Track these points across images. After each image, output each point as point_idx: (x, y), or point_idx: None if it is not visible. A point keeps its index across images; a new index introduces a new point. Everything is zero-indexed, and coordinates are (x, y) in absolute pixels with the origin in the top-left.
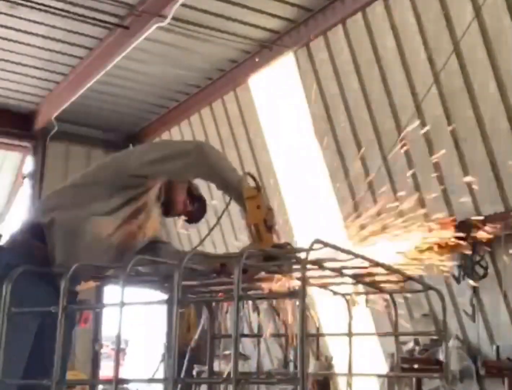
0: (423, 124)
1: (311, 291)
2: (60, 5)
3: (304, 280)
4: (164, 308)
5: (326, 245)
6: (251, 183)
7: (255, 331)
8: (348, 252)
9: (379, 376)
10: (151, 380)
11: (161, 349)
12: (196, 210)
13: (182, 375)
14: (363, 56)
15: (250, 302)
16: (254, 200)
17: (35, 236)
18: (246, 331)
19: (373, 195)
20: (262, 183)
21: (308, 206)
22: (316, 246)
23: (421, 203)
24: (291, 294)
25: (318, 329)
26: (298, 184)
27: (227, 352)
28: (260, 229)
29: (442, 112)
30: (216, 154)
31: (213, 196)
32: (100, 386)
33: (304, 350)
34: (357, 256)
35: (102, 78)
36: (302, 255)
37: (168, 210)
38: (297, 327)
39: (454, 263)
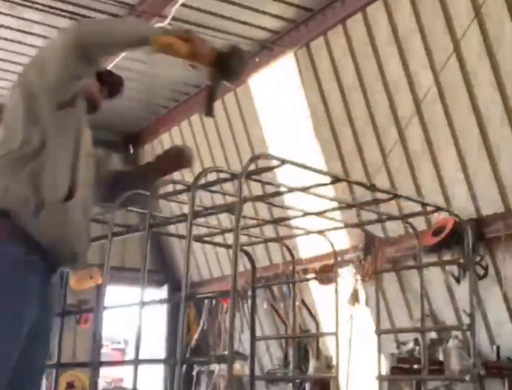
0: (422, 124)
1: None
2: (60, 5)
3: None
4: (164, 308)
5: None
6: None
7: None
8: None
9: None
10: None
11: (161, 349)
12: (111, 88)
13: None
14: (363, 56)
15: (249, 302)
16: (168, 43)
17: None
18: (246, 331)
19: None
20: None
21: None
22: None
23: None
24: (228, 208)
25: (318, 329)
26: (298, 184)
27: (226, 352)
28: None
29: (441, 112)
30: (92, 27)
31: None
32: (100, 386)
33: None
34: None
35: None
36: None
37: (91, 105)
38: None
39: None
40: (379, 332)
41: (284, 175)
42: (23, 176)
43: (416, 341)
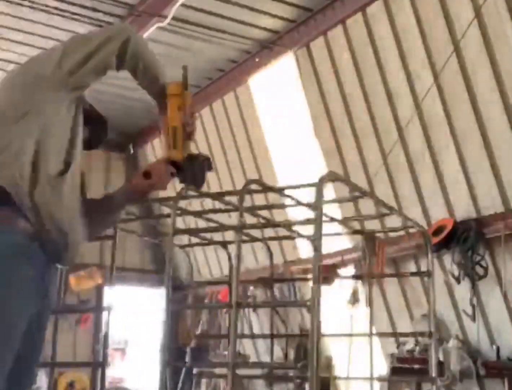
0: (423, 124)
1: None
2: (60, 5)
3: None
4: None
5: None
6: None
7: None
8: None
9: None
10: None
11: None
12: (94, 133)
13: (182, 375)
14: (363, 56)
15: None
16: (177, 99)
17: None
18: (246, 331)
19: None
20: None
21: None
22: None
23: (422, 203)
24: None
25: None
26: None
27: (226, 352)
28: (176, 133)
29: (441, 112)
30: (143, 41)
31: None
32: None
33: None
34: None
35: (102, 79)
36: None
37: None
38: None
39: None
40: (370, 334)
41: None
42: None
43: (416, 341)
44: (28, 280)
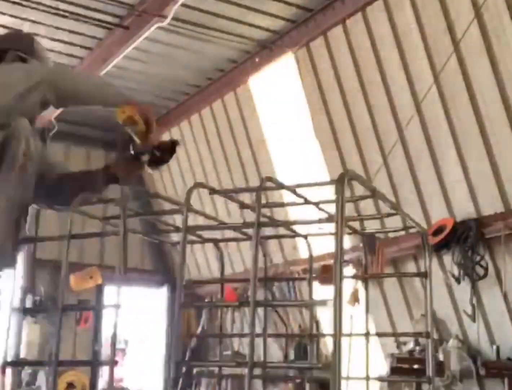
0: (422, 124)
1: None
2: (60, 5)
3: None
4: (164, 308)
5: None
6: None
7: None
8: None
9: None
10: None
11: (161, 349)
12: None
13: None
14: (363, 56)
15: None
16: (131, 117)
17: None
18: (246, 331)
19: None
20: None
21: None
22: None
23: (422, 203)
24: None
25: (318, 329)
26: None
27: (226, 352)
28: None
29: (442, 112)
30: (71, 78)
31: None
32: (100, 386)
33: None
34: None
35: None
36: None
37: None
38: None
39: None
40: (367, 335)
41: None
42: None
43: (416, 341)
44: None
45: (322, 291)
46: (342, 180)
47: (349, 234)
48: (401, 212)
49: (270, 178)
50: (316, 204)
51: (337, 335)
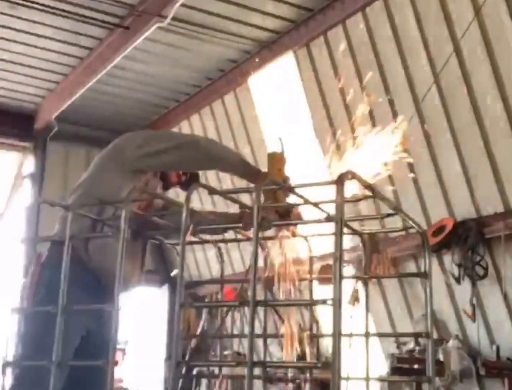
0: (422, 124)
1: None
2: (60, 5)
3: None
4: (164, 309)
5: None
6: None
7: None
8: None
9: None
10: None
11: (161, 349)
12: (189, 179)
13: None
14: (363, 56)
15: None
16: (277, 161)
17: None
18: (246, 331)
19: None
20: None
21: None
22: None
23: (422, 203)
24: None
25: (318, 329)
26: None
27: (226, 352)
28: (276, 191)
29: (442, 112)
30: (215, 147)
31: None
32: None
33: None
34: None
35: (102, 78)
36: None
37: (164, 184)
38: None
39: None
40: (367, 335)
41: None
42: None
43: (416, 341)
44: (80, 301)
45: (322, 291)
46: (341, 181)
47: (349, 234)
48: (400, 212)
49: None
50: (315, 204)
51: (336, 335)
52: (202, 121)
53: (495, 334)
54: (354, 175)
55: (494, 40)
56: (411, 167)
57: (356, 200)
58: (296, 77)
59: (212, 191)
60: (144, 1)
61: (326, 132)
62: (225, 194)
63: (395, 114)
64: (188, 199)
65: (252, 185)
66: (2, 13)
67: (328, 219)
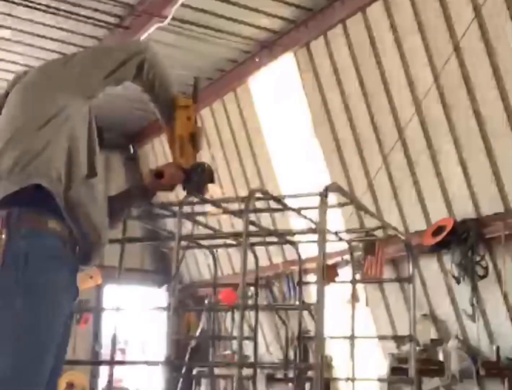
0: (422, 124)
1: None
2: (60, 5)
3: None
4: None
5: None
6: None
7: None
8: None
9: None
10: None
11: (161, 349)
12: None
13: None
14: (363, 56)
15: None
16: (186, 110)
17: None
18: (246, 333)
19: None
20: (261, 181)
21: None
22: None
23: (422, 203)
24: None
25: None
26: (298, 184)
27: (226, 352)
28: (184, 142)
29: (441, 112)
30: (159, 57)
31: None
32: (100, 386)
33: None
34: None
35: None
36: None
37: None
38: None
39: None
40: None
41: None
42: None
43: (416, 342)
44: (64, 282)
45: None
46: (325, 193)
47: (337, 241)
48: (383, 221)
49: (258, 190)
50: (298, 211)
51: (320, 336)
52: (202, 121)
53: (495, 334)
54: (338, 188)
55: (494, 40)
56: (411, 167)
57: (338, 206)
58: (296, 77)
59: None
60: (144, 1)
61: (326, 132)
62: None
63: (395, 114)
64: (181, 205)
65: None
66: (2, 13)
67: (313, 230)
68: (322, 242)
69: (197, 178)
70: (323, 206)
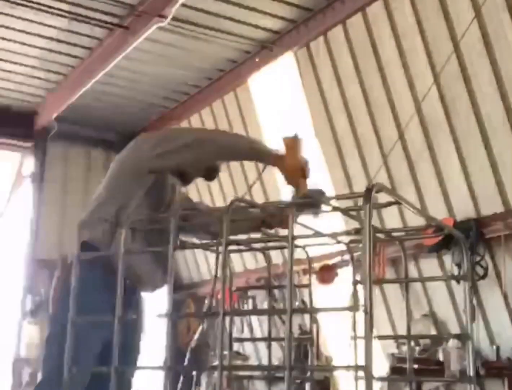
0: (422, 124)
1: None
2: (60, 5)
3: None
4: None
5: None
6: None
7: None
8: None
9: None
10: None
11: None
12: (208, 171)
13: (182, 375)
14: (363, 56)
15: (249, 302)
16: (293, 148)
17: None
18: (246, 332)
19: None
20: (261, 180)
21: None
22: None
23: (422, 203)
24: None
25: (318, 329)
26: None
27: (225, 352)
28: (296, 176)
29: (441, 112)
30: (224, 138)
31: None
32: None
33: None
34: None
35: (102, 78)
36: None
37: (182, 178)
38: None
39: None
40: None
41: None
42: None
43: (416, 341)
44: (104, 303)
45: (322, 291)
46: (369, 193)
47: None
48: (429, 217)
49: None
50: (344, 211)
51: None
52: (202, 121)
53: (495, 334)
54: (383, 187)
55: (494, 40)
56: (411, 167)
57: (383, 206)
58: (296, 77)
59: (251, 205)
60: (144, 1)
61: (326, 132)
62: (264, 207)
63: (395, 114)
64: (228, 212)
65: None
66: (2, 13)
67: (357, 230)
68: (368, 242)
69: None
70: (368, 206)
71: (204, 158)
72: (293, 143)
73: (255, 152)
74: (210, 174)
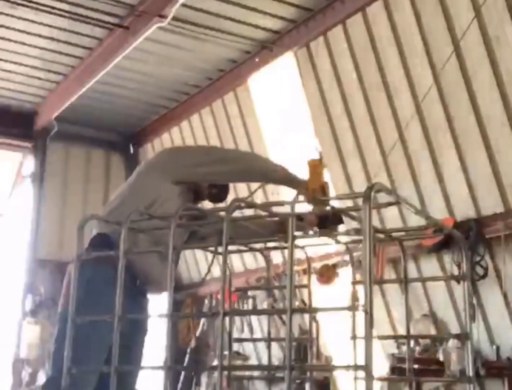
0: (422, 124)
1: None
2: (60, 5)
3: None
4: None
5: None
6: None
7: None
8: None
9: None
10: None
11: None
12: (219, 191)
13: (182, 376)
14: (363, 56)
15: (249, 302)
16: (316, 169)
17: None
18: (246, 332)
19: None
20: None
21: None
22: None
23: (422, 203)
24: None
25: (318, 329)
26: None
27: (225, 352)
28: (316, 195)
29: (441, 112)
30: (257, 163)
31: None
32: None
33: None
34: None
35: (102, 78)
36: None
37: (195, 196)
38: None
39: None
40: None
41: None
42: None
43: (416, 341)
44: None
45: (322, 291)
46: (369, 193)
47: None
48: (430, 218)
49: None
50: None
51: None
52: (202, 121)
53: (495, 334)
54: (382, 187)
55: (494, 40)
56: (411, 167)
57: (382, 206)
58: (296, 77)
59: (251, 205)
60: (144, 1)
61: (326, 132)
62: (264, 207)
63: (395, 114)
64: (229, 213)
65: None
66: (2, 13)
67: (357, 230)
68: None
69: (328, 222)
70: (368, 206)
71: (236, 175)
72: (317, 165)
73: (287, 180)
74: (221, 195)
